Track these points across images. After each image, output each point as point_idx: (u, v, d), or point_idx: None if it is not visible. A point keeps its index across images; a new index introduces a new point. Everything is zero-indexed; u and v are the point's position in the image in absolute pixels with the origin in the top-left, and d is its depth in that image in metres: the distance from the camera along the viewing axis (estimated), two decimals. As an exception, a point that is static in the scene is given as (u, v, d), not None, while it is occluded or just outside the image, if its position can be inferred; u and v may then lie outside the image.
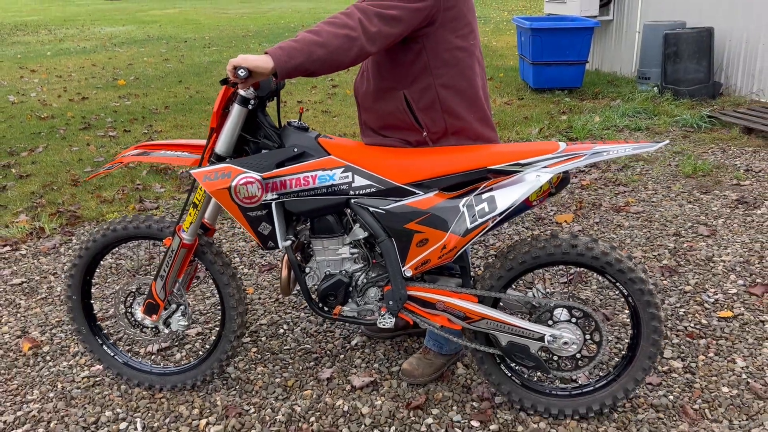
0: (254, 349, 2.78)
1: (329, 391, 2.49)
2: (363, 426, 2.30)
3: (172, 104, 7.75)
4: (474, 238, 2.11)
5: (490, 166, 2.09)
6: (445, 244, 2.12)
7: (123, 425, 2.34)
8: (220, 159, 2.18)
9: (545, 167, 2.08)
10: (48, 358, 2.77)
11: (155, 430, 2.31)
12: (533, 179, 2.06)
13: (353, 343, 2.79)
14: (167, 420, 2.36)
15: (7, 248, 3.90)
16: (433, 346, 2.55)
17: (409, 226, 2.14)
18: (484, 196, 2.09)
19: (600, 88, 7.49)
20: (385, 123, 2.22)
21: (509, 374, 2.34)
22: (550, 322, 2.22)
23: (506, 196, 2.07)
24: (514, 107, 6.95)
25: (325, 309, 2.30)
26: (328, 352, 2.74)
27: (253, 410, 2.40)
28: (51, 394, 2.52)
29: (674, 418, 2.28)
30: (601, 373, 2.53)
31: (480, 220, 2.08)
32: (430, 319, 2.25)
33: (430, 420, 2.32)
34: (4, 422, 2.38)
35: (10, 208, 4.57)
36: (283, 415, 2.37)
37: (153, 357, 2.75)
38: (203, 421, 2.34)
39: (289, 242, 2.23)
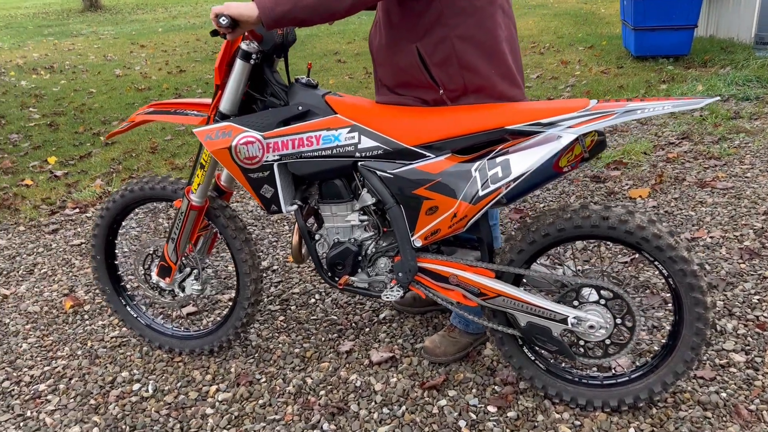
0: (281, 318, 2.70)
1: (346, 365, 2.37)
2: (373, 403, 2.17)
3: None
4: (485, 207, 1.91)
5: (506, 126, 1.87)
6: (455, 212, 1.94)
7: (136, 386, 2.33)
8: (224, 118, 2.09)
9: (569, 127, 1.83)
10: (86, 317, 2.83)
11: (165, 393, 2.28)
12: (554, 140, 1.83)
13: (381, 316, 2.65)
14: (179, 384, 2.33)
15: (77, 210, 4.05)
16: (458, 324, 2.37)
17: (417, 192, 1.96)
18: (499, 159, 1.88)
19: (710, 55, 6.85)
20: (399, 80, 2.04)
21: (532, 358, 2.12)
22: (575, 303, 1.98)
23: (522, 160, 1.85)
24: (611, 76, 6.48)
25: (335, 278, 2.18)
26: (353, 324, 2.62)
27: (264, 379, 2.32)
28: (79, 352, 2.56)
29: (723, 418, 1.99)
30: (637, 362, 2.26)
31: (492, 187, 1.88)
32: (444, 294, 2.07)
33: (443, 402, 2.15)
34: (31, 376, 2.44)
35: (90, 173, 4.75)
36: (293, 386, 2.27)
37: (177, 320, 2.74)
38: (213, 388, 2.29)
39: (295, 207, 2.11)
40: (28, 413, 2.24)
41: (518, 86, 2.05)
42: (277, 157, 2.03)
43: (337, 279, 2.17)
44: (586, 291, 1.98)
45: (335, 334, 2.56)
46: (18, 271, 3.30)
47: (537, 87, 6.25)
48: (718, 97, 1.93)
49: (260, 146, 2.01)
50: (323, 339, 2.54)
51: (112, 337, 2.64)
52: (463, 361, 2.34)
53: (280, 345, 2.51)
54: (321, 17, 1.77)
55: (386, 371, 2.32)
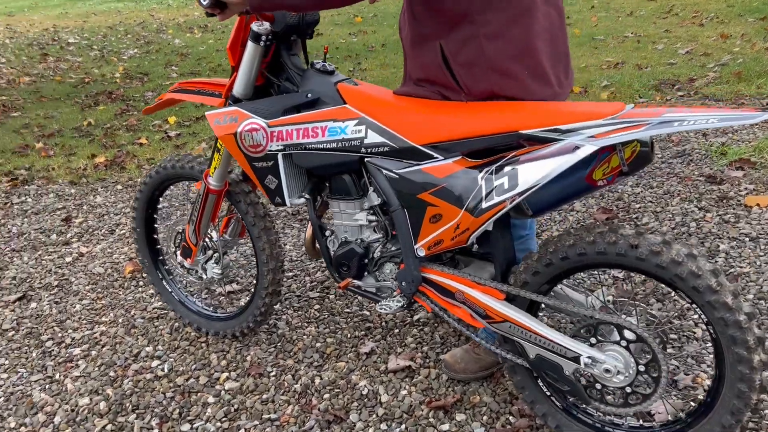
0: (317, 307, 2.61)
1: (362, 368, 2.24)
2: (374, 416, 2.03)
3: (391, 42, 7.71)
4: (489, 220, 1.67)
5: (520, 130, 1.61)
6: (458, 222, 1.72)
7: (155, 363, 2.35)
8: (237, 101, 1.99)
9: (591, 137, 1.54)
10: (140, 284, 2.90)
11: (179, 374, 2.28)
12: (570, 152, 1.55)
13: (415, 318, 2.48)
14: (194, 366, 2.31)
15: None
16: (484, 340, 2.15)
17: (422, 197, 1.76)
18: (507, 168, 1.63)
19: None
20: (423, 75, 1.81)
21: (548, 393, 1.87)
22: (593, 341, 1.70)
23: (532, 172, 1.59)
24: (777, 55, 5.67)
25: (341, 279, 2.04)
26: (384, 323, 2.47)
27: (274, 373, 2.25)
28: (120, 320, 2.63)
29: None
30: (670, 417, 1.92)
31: (496, 199, 1.63)
32: (450, 310, 1.87)
33: (446, 426, 1.96)
34: (72, 338, 2.54)
35: (199, 136, 4.91)
36: (301, 384, 2.18)
37: (207, 300, 2.73)
38: (224, 375, 2.26)
39: (301, 200, 1.99)
40: (57, 376, 2.33)
41: (550, 84, 1.76)
42: (281, 147, 1.90)
43: (339, 278, 2.02)
44: (607, 328, 1.69)
45: (362, 332, 2.43)
46: (101, 230, 3.47)
47: (683, 64, 5.60)
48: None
49: (264, 134, 1.89)
50: (349, 335, 2.42)
51: (153, 308, 2.69)
52: (485, 382, 2.13)
53: (305, 337, 2.43)
54: (311, 4, 1.60)
55: (400, 381, 2.16)
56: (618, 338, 1.67)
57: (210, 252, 2.32)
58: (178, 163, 2.28)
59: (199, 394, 2.18)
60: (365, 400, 2.10)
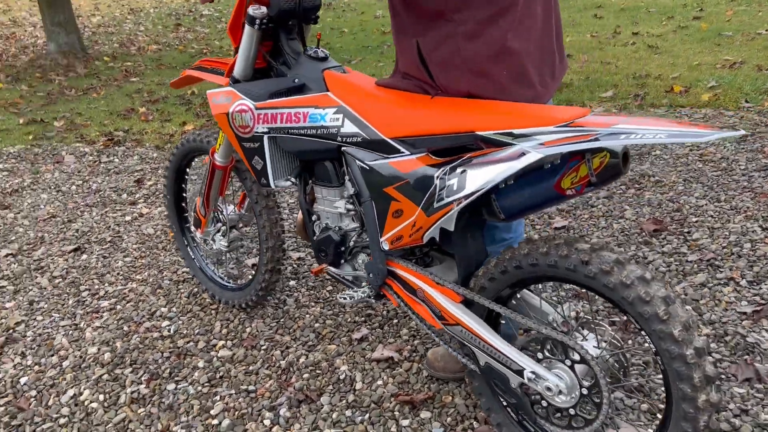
0: (329, 288, 2.66)
1: (350, 353, 2.26)
2: (343, 402, 2.05)
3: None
4: (438, 221, 1.63)
5: (476, 131, 1.56)
6: (415, 220, 1.69)
7: (165, 323, 2.50)
8: (237, 83, 2.06)
9: (541, 144, 1.46)
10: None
11: (181, 337, 2.41)
12: (515, 158, 1.48)
13: (416, 310, 2.46)
14: (197, 331, 2.44)
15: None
16: (467, 341, 2.10)
17: (387, 190, 1.75)
18: (458, 170, 1.58)
19: None
20: (405, 69, 1.79)
21: (504, 402, 1.81)
22: (539, 356, 1.63)
23: (478, 176, 1.54)
24: None
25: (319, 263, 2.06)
26: (386, 311, 2.47)
27: (266, 347, 2.33)
28: (151, 279, 2.81)
29: None
30: None
31: (445, 200, 1.60)
32: (412, 307, 1.85)
33: (407, 422, 1.95)
34: (105, 291, 2.75)
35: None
36: (286, 361, 2.24)
37: (235, 270, 2.84)
38: (221, 343, 2.36)
39: (287, 183, 2.02)
40: (81, 324, 2.54)
41: (531, 86, 1.68)
42: (266, 130, 1.95)
43: (319, 263, 2.05)
44: (558, 345, 1.61)
45: (362, 318, 2.45)
46: (166, 194, 3.70)
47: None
48: (742, 132, 1.34)
49: (252, 116, 1.95)
50: (348, 320, 2.44)
51: (182, 272, 2.85)
52: (463, 383, 2.09)
53: (307, 316, 2.48)
54: None
55: (380, 371, 2.17)
56: (563, 357, 1.59)
57: (219, 225, 2.42)
58: (198, 137, 2.39)
59: (193, 357, 2.30)
60: (340, 384, 2.13)
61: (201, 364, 2.26)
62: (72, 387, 2.18)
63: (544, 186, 1.61)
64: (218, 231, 2.43)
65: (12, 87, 6.47)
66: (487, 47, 1.60)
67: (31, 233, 3.29)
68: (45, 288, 2.79)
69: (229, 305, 2.54)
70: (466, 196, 1.55)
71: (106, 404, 2.10)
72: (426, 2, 1.61)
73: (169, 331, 2.45)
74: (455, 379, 2.10)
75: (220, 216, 2.41)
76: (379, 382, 2.12)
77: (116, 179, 3.94)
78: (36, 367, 2.30)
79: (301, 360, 2.25)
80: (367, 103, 1.78)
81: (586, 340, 1.66)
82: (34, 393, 2.17)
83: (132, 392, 2.14)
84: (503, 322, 1.81)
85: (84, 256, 3.04)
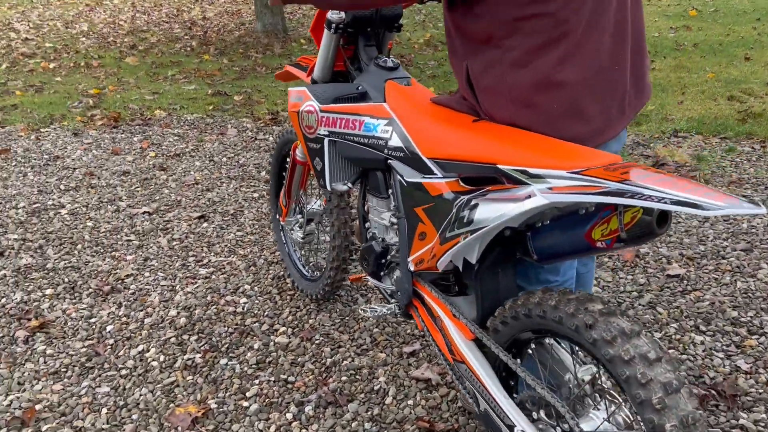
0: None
1: (396, 364, 2.24)
2: (368, 413, 2.05)
3: (705, 43, 6.86)
4: (448, 251, 1.55)
5: (497, 164, 1.46)
6: (433, 246, 1.63)
7: (242, 300, 2.64)
8: (315, 83, 2.10)
9: (550, 188, 1.34)
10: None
11: (251, 316, 2.54)
12: (521, 200, 1.36)
13: (477, 335, 2.37)
14: (267, 313, 2.55)
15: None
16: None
17: (417, 210, 1.71)
18: (473, 202, 1.50)
19: None
20: (461, 92, 1.72)
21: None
22: (535, 415, 1.50)
23: (486, 211, 1.45)
24: None
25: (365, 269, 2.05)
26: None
27: (320, 342, 2.37)
28: (250, 256, 2.98)
29: None
30: None
31: (455, 231, 1.52)
32: (431, 332, 1.78)
33: (417, 449, 1.90)
34: (209, 260, 2.97)
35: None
36: (332, 360, 2.28)
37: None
38: (282, 329, 2.45)
39: (344, 188, 2.03)
40: (177, 287, 2.76)
41: (587, 121, 1.53)
42: (327, 133, 1.97)
43: (364, 271, 2.04)
44: (553, 409, 1.47)
45: (421, 332, 2.40)
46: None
47: None
48: (764, 210, 1.07)
49: (317, 117, 1.98)
50: (408, 331, 2.41)
51: (279, 253, 2.98)
52: (491, 422, 1.98)
53: (371, 319, 2.49)
54: (325, 3, 1.62)
55: (417, 390, 2.13)
56: (555, 424, 1.45)
57: (298, 216, 2.50)
58: (290, 132, 2.48)
59: (253, 337, 2.41)
60: (372, 395, 2.12)
61: (257, 345, 2.37)
62: (143, 343, 2.39)
63: (576, 233, 1.48)
64: (297, 222, 2.51)
65: (216, 59, 7.12)
66: (533, 77, 1.49)
67: (172, 196, 3.63)
68: (162, 248, 3.07)
69: (303, 294, 2.61)
70: (472, 231, 1.46)
71: (163, 365, 2.28)
72: (475, 26, 1.53)
73: (243, 308, 2.59)
74: (487, 416, 1.99)
75: (300, 208, 2.48)
76: (410, 402, 2.08)
77: (262, 156, 4.19)
78: (123, 319, 2.55)
79: (346, 362, 2.26)
80: (414, 119, 1.73)
81: (597, 410, 1.50)
82: (112, 341, 2.41)
83: (188, 359, 2.30)
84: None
85: (204, 224, 3.29)
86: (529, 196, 1.35)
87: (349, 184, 2.03)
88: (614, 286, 2.67)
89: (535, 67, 1.49)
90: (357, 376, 2.20)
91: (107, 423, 2.04)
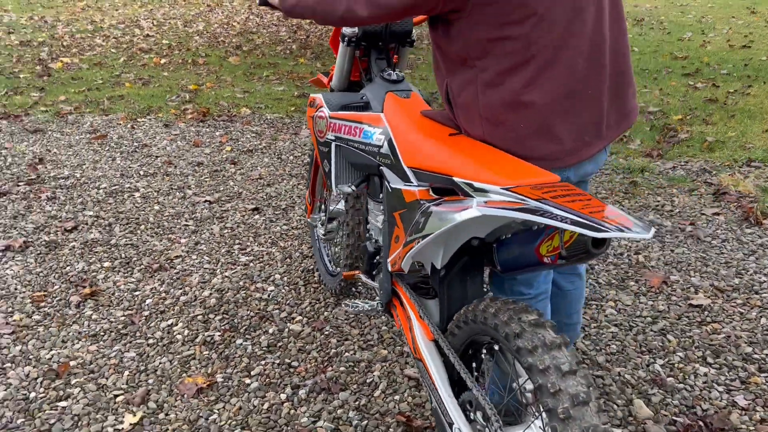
0: (421, 299, 2.74)
1: (395, 361, 2.36)
2: (356, 402, 2.18)
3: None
4: (407, 255, 1.66)
5: (453, 176, 1.57)
6: (400, 249, 1.75)
7: (270, 288, 2.84)
8: (333, 91, 2.26)
9: (485, 202, 1.43)
10: (331, 228, 3.40)
11: (272, 303, 2.73)
12: (458, 212, 1.46)
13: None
14: (289, 302, 2.73)
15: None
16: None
17: (395, 215, 1.84)
18: (429, 210, 1.60)
19: None
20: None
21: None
22: (472, 416, 1.58)
23: (436, 220, 1.55)
24: None
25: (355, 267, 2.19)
26: (450, 335, 2.49)
27: (329, 333, 2.53)
28: (289, 248, 3.18)
29: None
30: None
31: (413, 236, 1.63)
32: (404, 329, 1.90)
33: (389, 440, 2.01)
34: (251, 249, 3.19)
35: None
36: (336, 351, 2.42)
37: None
38: (299, 317, 2.63)
39: (348, 190, 2.18)
40: (217, 270, 3.00)
41: (556, 141, 1.61)
42: (333, 137, 2.12)
43: (352, 269, 2.17)
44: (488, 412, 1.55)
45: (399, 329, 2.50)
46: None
47: None
48: (651, 233, 1.09)
49: (326, 123, 2.14)
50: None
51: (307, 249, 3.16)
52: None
53: (383, 317, 2.62)
54: (320, 19, 1.76)
55: (407, 388, 2.24)
56: (484, 426, 1.53)
57: (322, 214, 2.66)
58: (327, 132, 2.65)
59: (270, 323, 2.60)
60: (364, 387, 2.25)
61: (272, 330, 2.55)
62: (173, 318, 2.64)
63: (529, 248, 1.57)
64: (320, 220, 2.67)
65: (310, 63, 7.45)
66: (503, 97, 1.59)
67: (235, 188, 3.91)
68: (213, 234, 3.33)
69: (326, 288, 2.78)
70: (423, 237, 1.56)
71: (186, 339, 2.51)
72: (453, 47, 1.64)
73: (268, 295, 2.79)
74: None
75: (324, 207, 2.65)
76: (397, 397, 2.19)
77: (327, 157, 4.40)
78: (163, 294, 2.81)
79: (348, 354, 2.40)
80: (402, 129, 1.86)
81: (537, 419, 1.56)
82: (147, 313, 2.67)
83: (208, 336, 2.52)
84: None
85: (256, 216, 3.53)
86: (466, 208, 1.44)
87: (353, 187, 2.17)
88: (631, 310, 2.66)
89: (505, 88, 1.58)
90: (355, 368, 2.34)
91: (126, 384, 2.28)
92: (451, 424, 1.60)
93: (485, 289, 1.82)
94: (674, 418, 2.11)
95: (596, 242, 1.40)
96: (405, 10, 1.59)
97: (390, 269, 1.88)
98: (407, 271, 1.75)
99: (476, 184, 1.48)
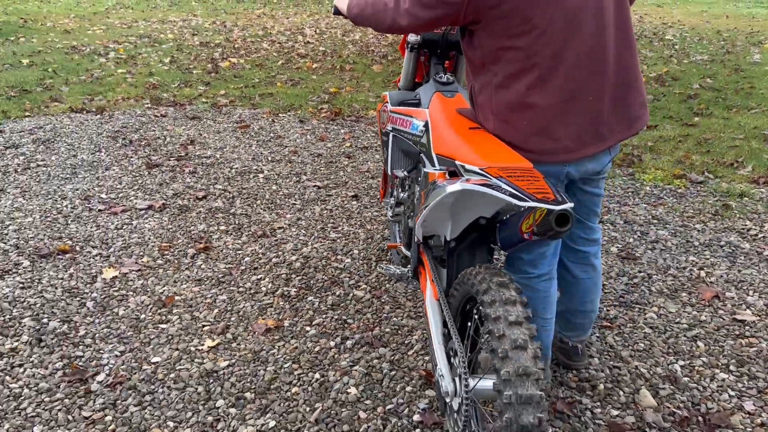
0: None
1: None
2: (394, 356, 2.54)
3: None
4: (416, 224, 2.01)
5: (455, 159, 1.91)
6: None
7: (347, 261, 3.26)
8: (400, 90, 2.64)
9: (466, 180, 1.76)
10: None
11: (347, 273, 3.15)
12: (448, 187, 1.80)
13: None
14: (360, 273, 3.14)
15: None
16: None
17: (422, 193, 2.18)
18: (435, 186, 1.95)
19: None
20: None
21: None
22: (454, 362, 1.89)
23: (435, 194, 1.89)
24: None
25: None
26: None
27: (383, 300, 2.91)
28: (373, 230, 3.59)
29: None
30: None
31: (421, 208, 1.98)
32: (423, 293, 2.23)
33: (423, 405, 2.35)
34: (340, 229, 3.65)
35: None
36: (386, 315, 2.80)
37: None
38: (363, 285, 3.03)
39: (402, 174, 2.54)
40: (308, 243, 3.48)
41: (554, 139, 1.90)
42: (390, 129, 2.51)
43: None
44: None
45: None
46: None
47: None
48: (567, 206, 1.32)
49: (387, 116, 2.53)
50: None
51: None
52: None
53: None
54: (376, 27, 2.15)
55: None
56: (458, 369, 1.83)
57: (391, 199, 3.04)
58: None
59: (339, 287, 3.03)
60: (401, 347, 2.60)
61: (338, 292, 2.98)
62: (263, 274, 3.15)
63: (515, 227, 1.87)
64: (389, 204, 3.05)
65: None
66: (510, 99, 1.91)
67: (343, 178, 4.39)
68: (314, 213, 3.82)
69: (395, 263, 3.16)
70: (425, 207, 1.91)
71: (267, 291, 3.00)
72: (475, 54, 1.98)
73: (344, 266, 3.22)
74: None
75: (394, 192, 3.03)
76: (426, 359, 2.52)
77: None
78: (260, 255, 3.33)
79: (396, 319, 2.77)
80: (437, 122, 2.21)
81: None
82: (243, 268, 3.20)
83: (286, 290, 3.00)
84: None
85: (354, 202, 3.99)
86: (453, 184, 1.77)
87: (405, 172, 2.54)
88: (672, 317, 2.79)
89: (512, 90, 1.89)
90: (398, 332, 2.70)
91: (213, 318, 2.80)
92: (436, 366, 1.92)
93: (490, 262, 2.12)
94: (675, 410, 2.27)
95: (559, 221, 1.68)
96: (434, 21, 1.95)
97: (417, 240, 2.22)
98: (421, 239, 2.09)
99: (467, 166, 1.80)
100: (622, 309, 2.86)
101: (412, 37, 2.49)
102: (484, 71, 1.97)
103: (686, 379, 2.42)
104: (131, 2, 13.86)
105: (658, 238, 3.50)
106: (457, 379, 1.82)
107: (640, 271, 3.16)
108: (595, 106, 1.91)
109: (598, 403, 2.32)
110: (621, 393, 2.36)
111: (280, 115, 5.92)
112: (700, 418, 2.23)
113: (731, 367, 2.47)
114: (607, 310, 2.85)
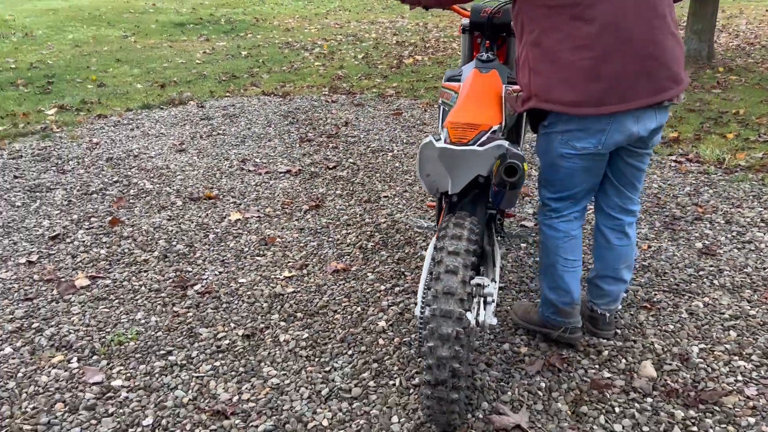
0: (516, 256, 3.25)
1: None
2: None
3: None
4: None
5: (492, 125, 2.21)
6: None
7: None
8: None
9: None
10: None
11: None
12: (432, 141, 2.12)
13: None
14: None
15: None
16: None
17: (441, 155, 2.51)
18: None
19: None
20: None
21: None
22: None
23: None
24: None
25: None
26: (491, 358, 2.99)
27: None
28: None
29: None
30: None
31: (422, 161, 2.31)
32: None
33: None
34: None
35: None
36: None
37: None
38: (423, 244, 3.37)
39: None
40: (404, 211, 3.89)
41: (576, 91, 2.15)
42: (441, 102, 2.83)
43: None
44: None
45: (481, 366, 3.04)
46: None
47: None
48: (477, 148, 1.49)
49: (442, 90, 2.86)
50: (514, 280, 3.08)
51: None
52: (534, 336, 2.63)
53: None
54: (423, 4, 2.49)
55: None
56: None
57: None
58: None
59: (410, 247, 3.40)
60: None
61: (408, 251, 3.36)
62: (352, 229, 3.62)
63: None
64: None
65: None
66: (540, 52, 2.19)
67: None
68: (421, 189, 4.22)
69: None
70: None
71: (350, 242, 3.46)
72: (518, 21, 2.29)
73: (423, 233, 3.57)
74: (524, 327, 2.64)
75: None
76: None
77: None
78: (357, 215, 3.80)
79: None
80: (463, 93, 2.51)
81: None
82: (338, 223, 3.70)
83: (365, 243, 3.44)
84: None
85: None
86: (427, 137, 2.10)
87: (449, 141, 2.85)
88: (720, 308, 2.78)
89: (543, 46, 2.18)
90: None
91: (297, 257, 3.33)
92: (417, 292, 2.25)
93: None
94: (671, 383, 2.34)
95: (507, 172, 1.95)
96: None
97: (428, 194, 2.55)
98: (429, 191, 2.41)
99: (495, 127, 2.13)
100: (670, 294, 2.90)
101: (464, 21, 2.80)
102: (524, 32, 2.24)
103: (699, 360, 2.46)
104: (351, 5, 15.15)
105: (753, 239, 3.39)
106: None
107: (711, 266, 3.13)
108: (620, 69, 2.09)
109: (597, 367, 2.45)
110: (623, 361, 2.46)
111: (434, 105, 6.35)
112: (690, 393, 2.28)
113: (753, 357, 2.45)
114: (654, 293, 2.90)
